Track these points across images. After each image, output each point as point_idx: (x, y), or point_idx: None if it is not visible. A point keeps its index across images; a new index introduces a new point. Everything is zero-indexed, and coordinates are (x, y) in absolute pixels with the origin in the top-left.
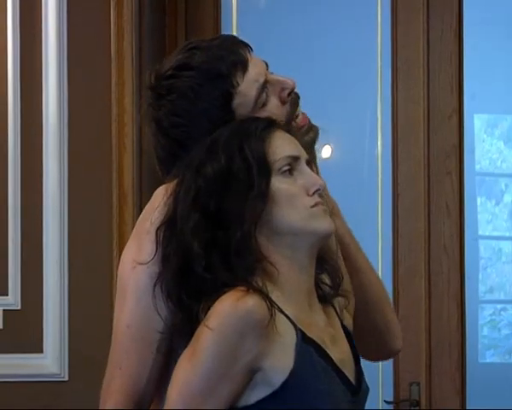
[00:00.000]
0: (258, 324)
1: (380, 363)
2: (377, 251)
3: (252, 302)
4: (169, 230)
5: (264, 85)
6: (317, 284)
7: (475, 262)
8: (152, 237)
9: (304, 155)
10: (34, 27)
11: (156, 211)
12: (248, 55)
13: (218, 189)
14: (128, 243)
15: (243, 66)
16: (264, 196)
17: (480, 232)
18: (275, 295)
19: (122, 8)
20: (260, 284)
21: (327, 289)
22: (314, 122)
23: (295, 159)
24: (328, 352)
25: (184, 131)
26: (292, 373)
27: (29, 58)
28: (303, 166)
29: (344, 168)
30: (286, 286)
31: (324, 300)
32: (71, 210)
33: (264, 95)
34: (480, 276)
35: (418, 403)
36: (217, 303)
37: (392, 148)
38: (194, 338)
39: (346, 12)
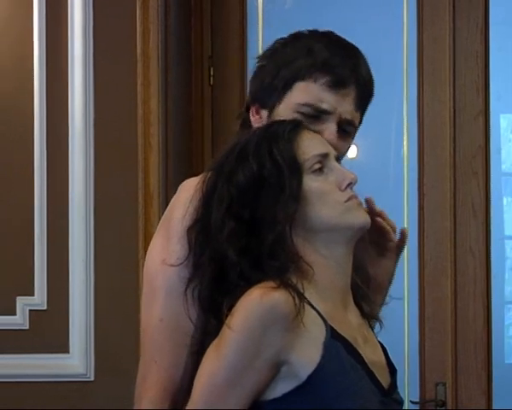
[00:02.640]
0: (283, 318)
1: (406, 363)
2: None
3: (277, 296)
4: (201, 237)
5: (306, 106)
6: (359, 294)
7: (501, 262)
8: (181, 239)
9: (332, 152)
10: (60, 28)
11: (187, 215)
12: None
13: (251, 196)
14: (155, 239)
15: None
16: (297, 196)
17: (507, 232)
18: (308, 292)
19: (148, 8)
20: (295, 282)
21: (366, 308)
22: None
23: (324, 156)
24: (359, 350)
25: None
26: (318, 367)
27: (55, 59)
28: (332, 162)
29: (370, 168)
30: (320, 283)
31: (362, 315)
32: (97, 210)
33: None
34: (507, 276)
35: (444, 403)
36: (244, 296)
37: (418, 148)
38: (221, 331)
39: (372, 12)
